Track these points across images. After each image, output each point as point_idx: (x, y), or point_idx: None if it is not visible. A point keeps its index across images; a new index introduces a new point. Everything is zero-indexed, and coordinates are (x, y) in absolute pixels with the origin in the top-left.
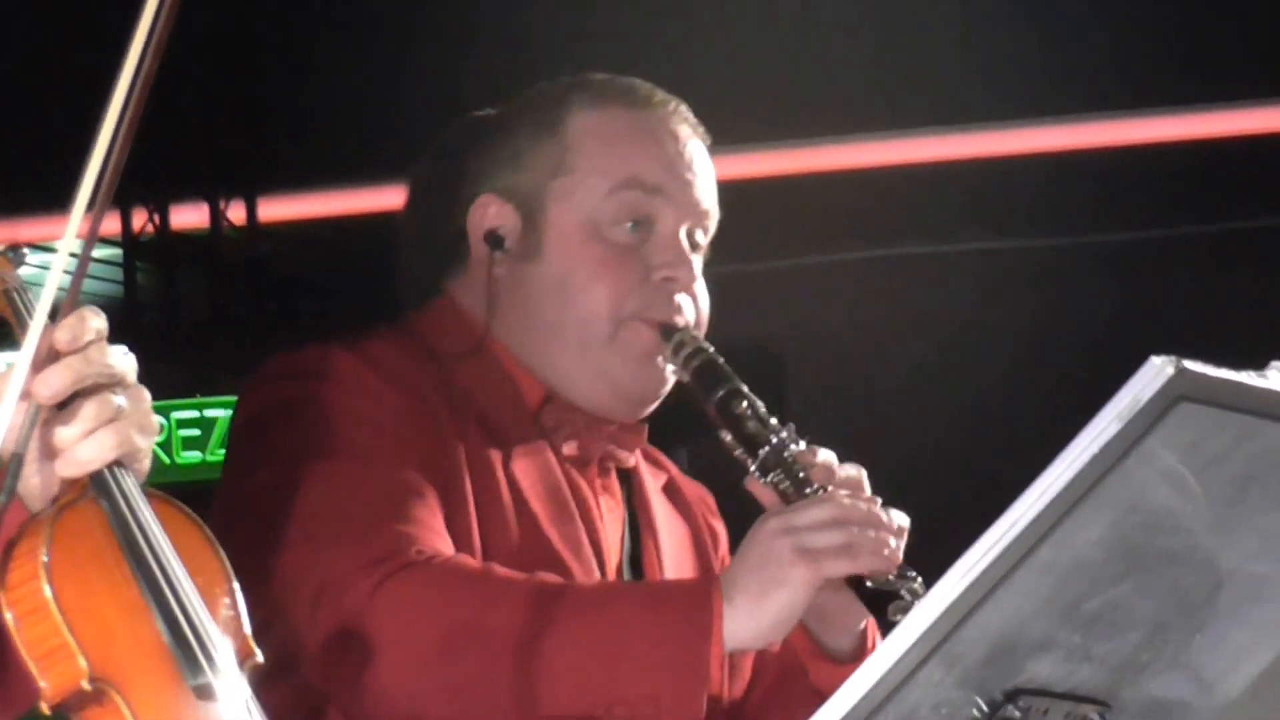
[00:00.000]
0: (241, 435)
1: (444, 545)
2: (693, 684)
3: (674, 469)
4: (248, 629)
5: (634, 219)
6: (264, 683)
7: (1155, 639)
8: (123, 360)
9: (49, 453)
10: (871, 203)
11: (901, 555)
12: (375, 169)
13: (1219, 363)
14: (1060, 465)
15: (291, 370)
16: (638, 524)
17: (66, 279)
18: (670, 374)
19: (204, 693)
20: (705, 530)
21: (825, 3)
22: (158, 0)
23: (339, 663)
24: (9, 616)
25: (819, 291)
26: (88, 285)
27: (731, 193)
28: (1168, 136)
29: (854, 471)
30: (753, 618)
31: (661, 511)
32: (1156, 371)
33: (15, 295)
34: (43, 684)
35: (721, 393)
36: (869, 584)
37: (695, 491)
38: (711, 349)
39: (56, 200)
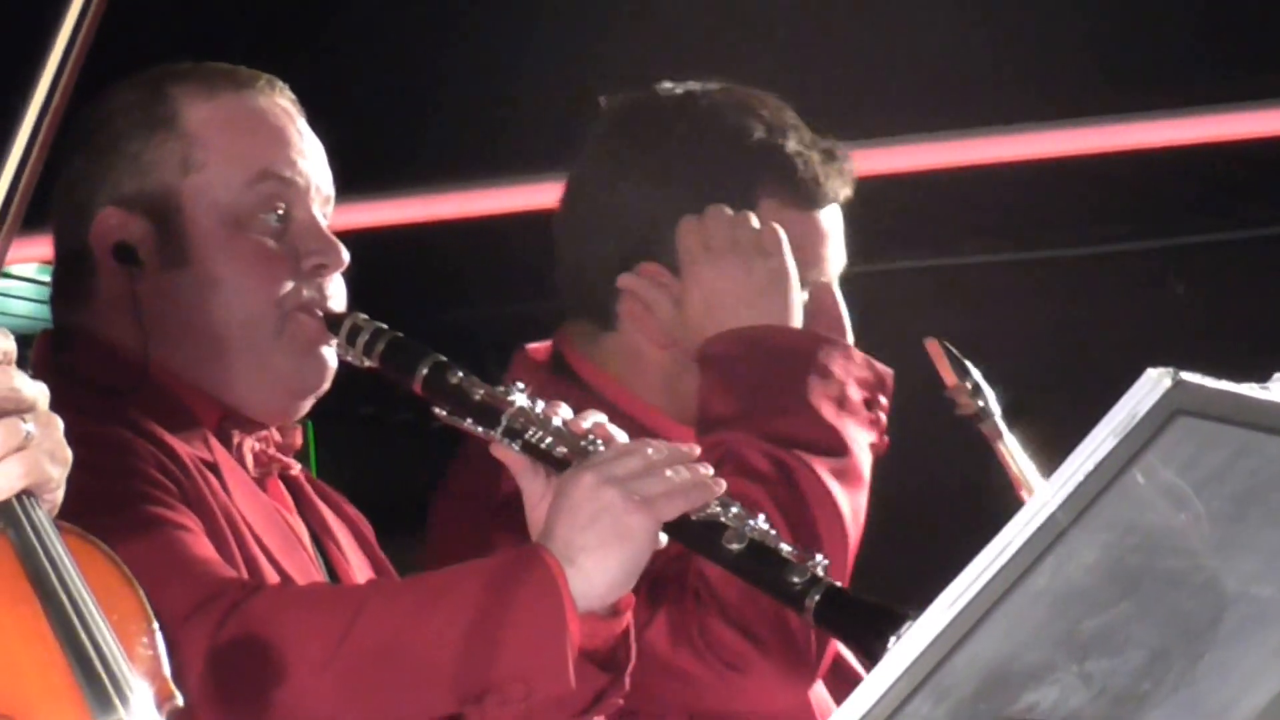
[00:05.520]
0: None
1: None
2: (557, 655)
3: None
4: (167, 670)
5: (275, 209)
6: None
7: (1156, 666)
8: (32, 386)
9: None
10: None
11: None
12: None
13: (1231, 377)
14: (1053, 485)
15: None
16: (313, 531)
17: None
18: (344, 361)
19: None
20: (355, 520)
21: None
22: (77, 12)
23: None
24: None
25: (877, 301)
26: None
27: None
28: (1182, 140)
29: (601, 417)
30: (598, 574)
31: (326, 513)
32: (1153, 384)
33: None
34: None
35: (426, 369)
36: (696, 519)
37: (320, 483)
38: (387, 326)
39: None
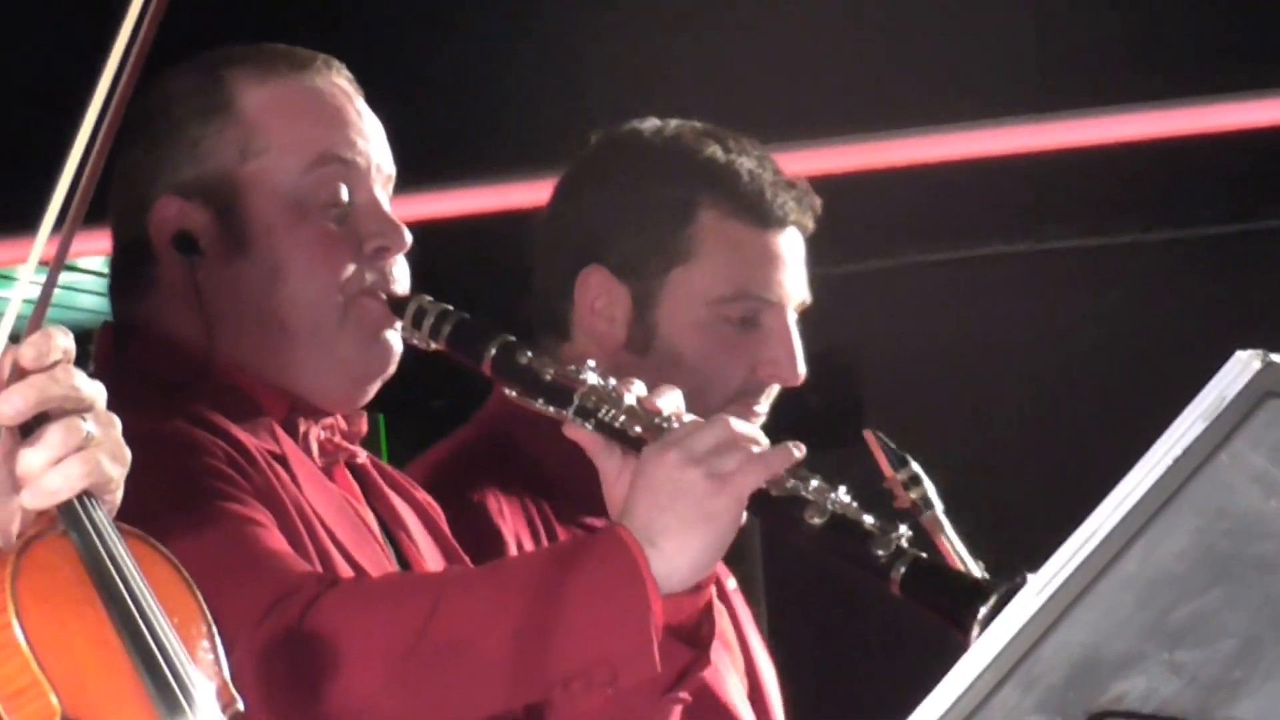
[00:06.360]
0: None
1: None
2: (642, 639)
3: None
4: (226, 674)
5: (337, 192)
6: None
7: (1248, 654)
8: (90, 385)
9: (13, 484)
10: (942, 201)
11: None
12: None
13: None
14: (1141, 471)
15: None
16: (383, 521)
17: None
18: (411, 347)
19: None
20: (426, 506)
21: None
22: (139, 7)
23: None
24: None
25: (892, 296)
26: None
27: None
28: (1240, 125)
29: (675, 393)
30: (681, 556)
31: (395, 500)
32: (1242, 366)
33: None
34: None
35: (494, 350)
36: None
37: (388, 468)
38: (453, 308)
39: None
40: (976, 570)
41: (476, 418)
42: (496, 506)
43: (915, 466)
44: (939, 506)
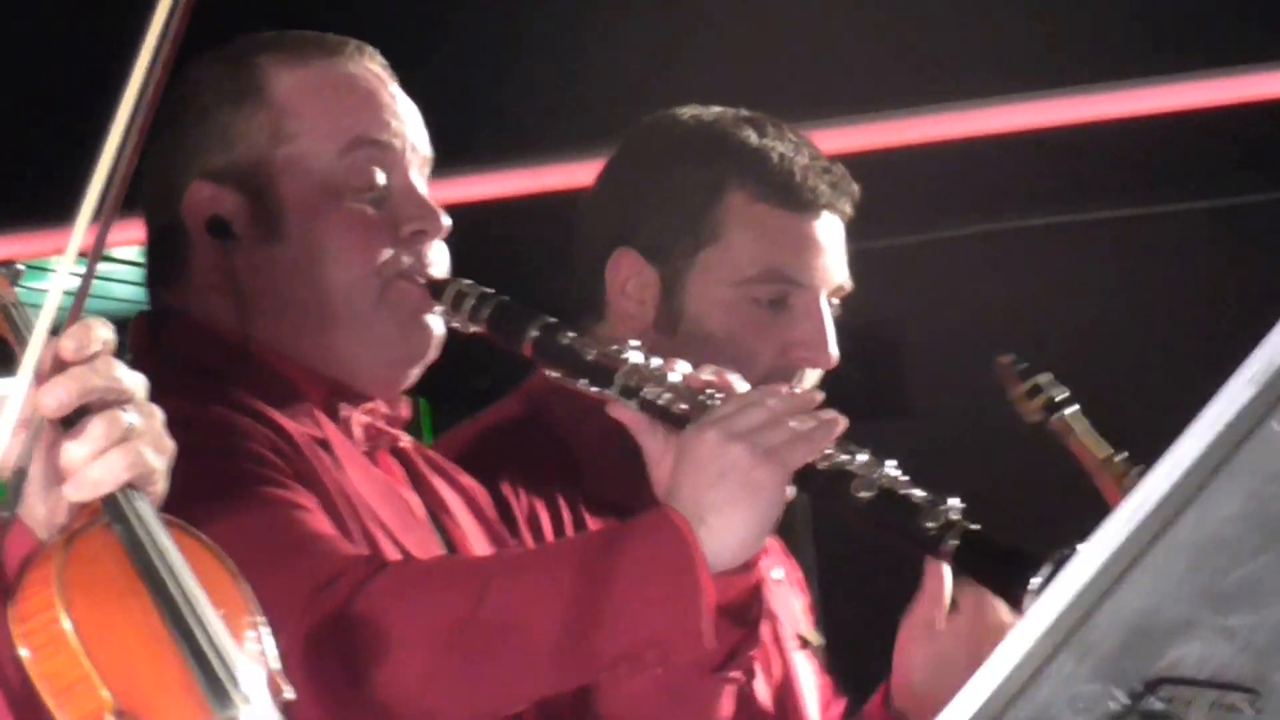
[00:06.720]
0: None
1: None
2: (692, 619)
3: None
4: (275, 663)
5: (372, 175)
6: None
7: None
8: (131, 376)
9: (56, 476)
10: (982, 174)
11: None
12: None
13: None
14: (1192, 437)
15: None
16: (428, 505)
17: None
18: (454, 332)
19: None
20: (470, 489)
21: None
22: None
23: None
24: (24, 651)
25: (932, 269)
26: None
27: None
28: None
29: (725, 371)
30: (730, 533)
31: (439, 484)
32: None
33: (13, 311)
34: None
35: (536, 331)
36: (823, 469)
37: (431, 452)
38: (493, 291)
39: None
40: (1110, 451)
41: (503, 401)
42: (511, 490)
43: (1040, 377)
44: (1068, 409)
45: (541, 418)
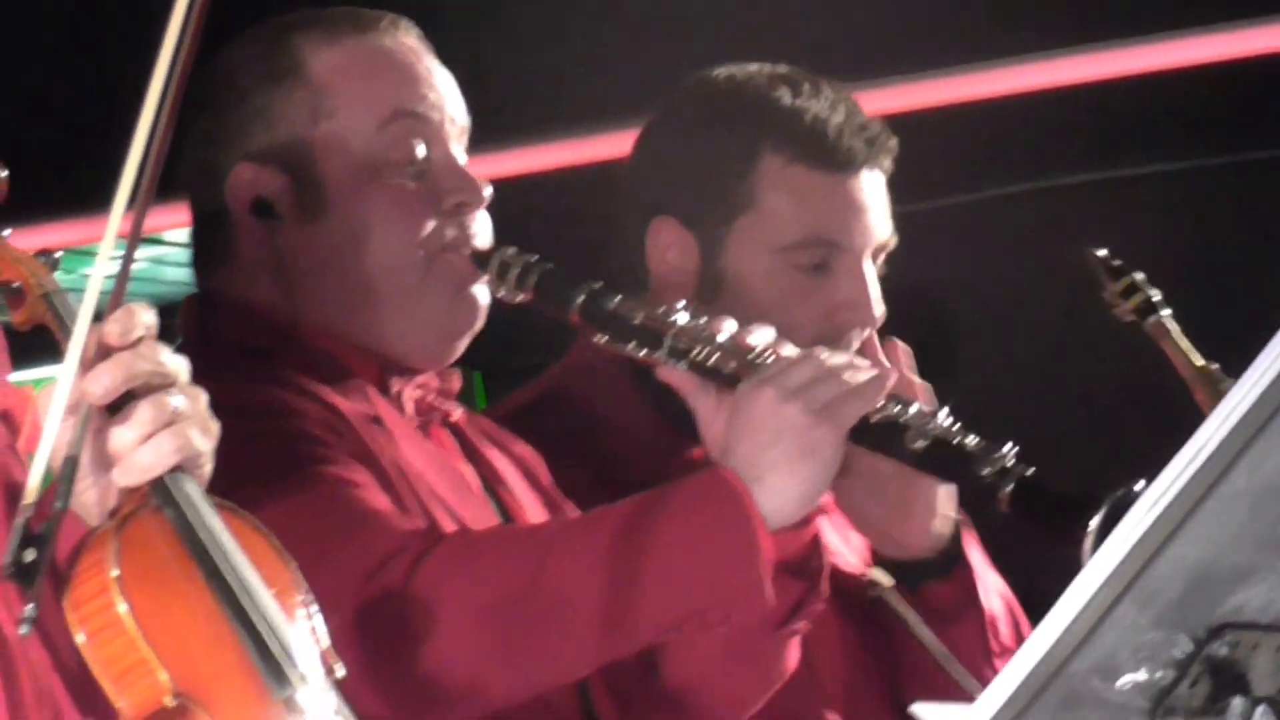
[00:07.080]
0: None
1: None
2: (752, 577)
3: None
4: (326, 641)
5: (412, 148)
6: None
7: None
8: (174, 360)
9: (104, 462)
10: (1031, 131)
11: None
12: None
13: None
14: (1245, 384)
15: None
16: (483, 476)
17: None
18: (501, 297)
19: (292, 706)
20: (525, 458)
21: None
22: None
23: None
24: (80, 636)
25: (977, 230)
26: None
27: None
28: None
29: (769, 330)
30: (788, 491)
31: (493, 455)
32: None
33: (54, 299)
34: (120, 704)
35: (582, 297)
36: (876, 421)
37: (485, 422)
38: (537, 258)
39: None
40: (1202, 360)
41: (546, 373)
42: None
43: (1137, 276)
44: (1163, 311)
45: (574, 391)
